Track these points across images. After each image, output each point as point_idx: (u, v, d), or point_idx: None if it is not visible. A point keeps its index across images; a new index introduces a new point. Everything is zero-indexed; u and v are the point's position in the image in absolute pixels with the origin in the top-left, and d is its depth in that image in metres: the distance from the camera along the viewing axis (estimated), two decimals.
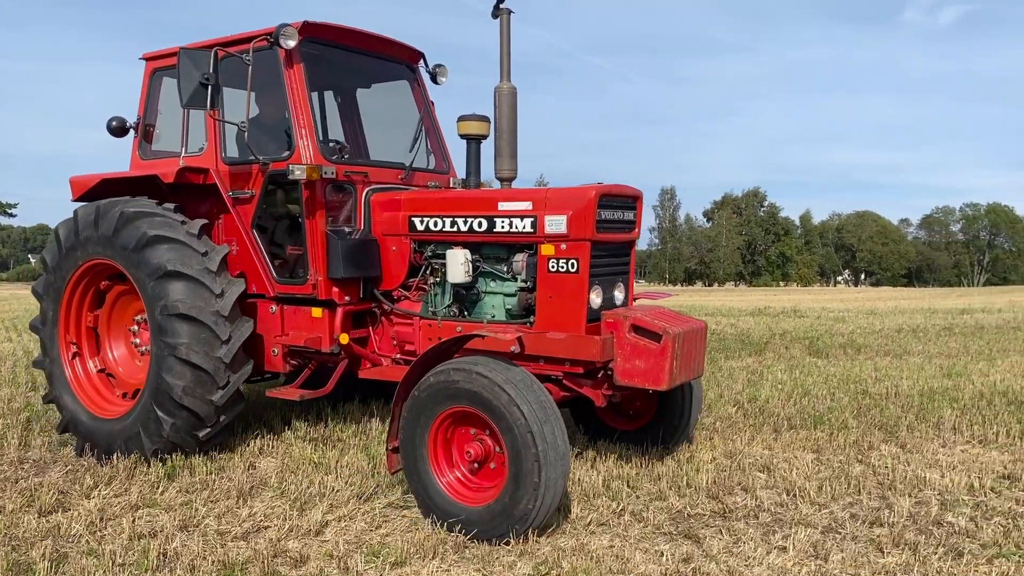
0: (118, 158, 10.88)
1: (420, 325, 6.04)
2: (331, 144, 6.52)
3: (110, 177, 6.51)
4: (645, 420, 6.40)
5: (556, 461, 4.41)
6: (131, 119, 6.85)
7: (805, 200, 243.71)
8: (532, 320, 5.48)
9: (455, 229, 5.83)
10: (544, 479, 4.35)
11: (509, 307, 5.71)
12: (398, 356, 6.28)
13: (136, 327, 6.61)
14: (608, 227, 5.36)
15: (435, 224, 5.91)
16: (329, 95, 7.20)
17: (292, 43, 5.76)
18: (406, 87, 7.11)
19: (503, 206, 5.60)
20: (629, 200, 5.58)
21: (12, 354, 12.14)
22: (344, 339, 6.04)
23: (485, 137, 6.03)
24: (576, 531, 4.78)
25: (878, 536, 4.62)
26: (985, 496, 5.33)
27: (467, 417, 4.71)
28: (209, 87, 5.63)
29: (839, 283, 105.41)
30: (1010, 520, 4.88)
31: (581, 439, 6.67)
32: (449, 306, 5.98)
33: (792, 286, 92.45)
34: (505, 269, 5.72)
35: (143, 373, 6.25)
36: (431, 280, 6.07)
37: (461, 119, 5.99)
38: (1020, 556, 4.36)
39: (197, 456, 6.18)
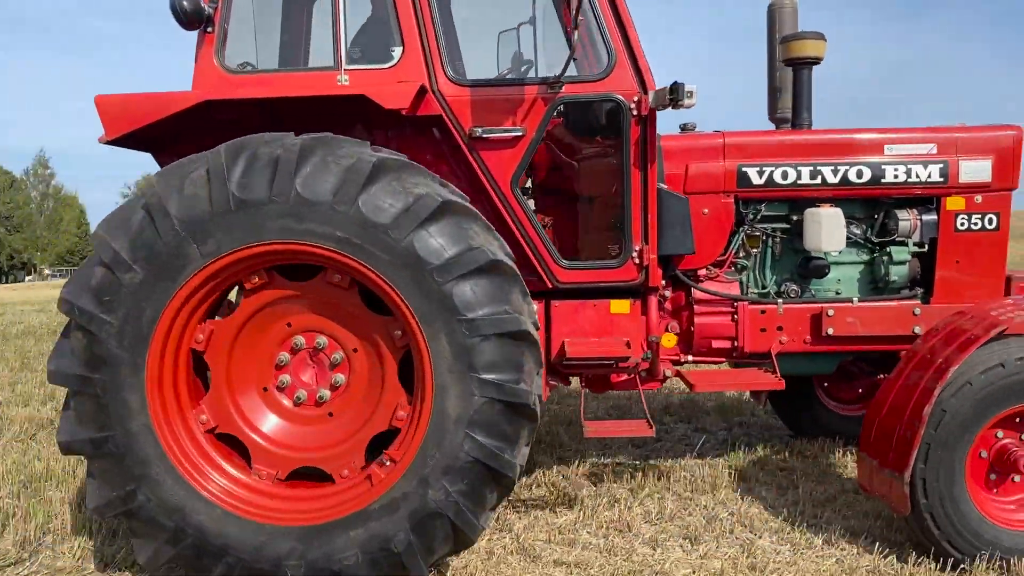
0: None
1: (747, 313, 4.59)
2: None
3: (240, 100, 3.85)
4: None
5: None
6: None
7: None
8: (917, 293, 4.64)
9: (818, 181, 4.57)
10: None
11: (895, 278, 4.64)
12: (686, 359, 4.71)
13: (287, 356, 3.86)
14: None
15: (784, 176, 4.58)
16: None
17: None
18: None
19: (892, 149, 4.58)
20: None
21: None
22: (671, 340, 4.50)
23: (820, 61, 4.71)
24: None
25: None
26: None
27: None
28: None
29: None
30: None
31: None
32: (784, 284, 4.76)
33: None
34: (863, 231, 4.72)
35: (306, 437, 3.87)
36: (749, 252, 4.75)
37: (789, 39, 4.68)
38: None
39: None
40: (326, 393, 3.89)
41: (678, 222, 4.30)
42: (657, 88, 4.03)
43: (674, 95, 3.85)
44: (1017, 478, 3.90)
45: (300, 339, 3.87)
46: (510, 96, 4.11)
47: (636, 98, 4.06)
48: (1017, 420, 3.86)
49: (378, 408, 3.82)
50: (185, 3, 3.93)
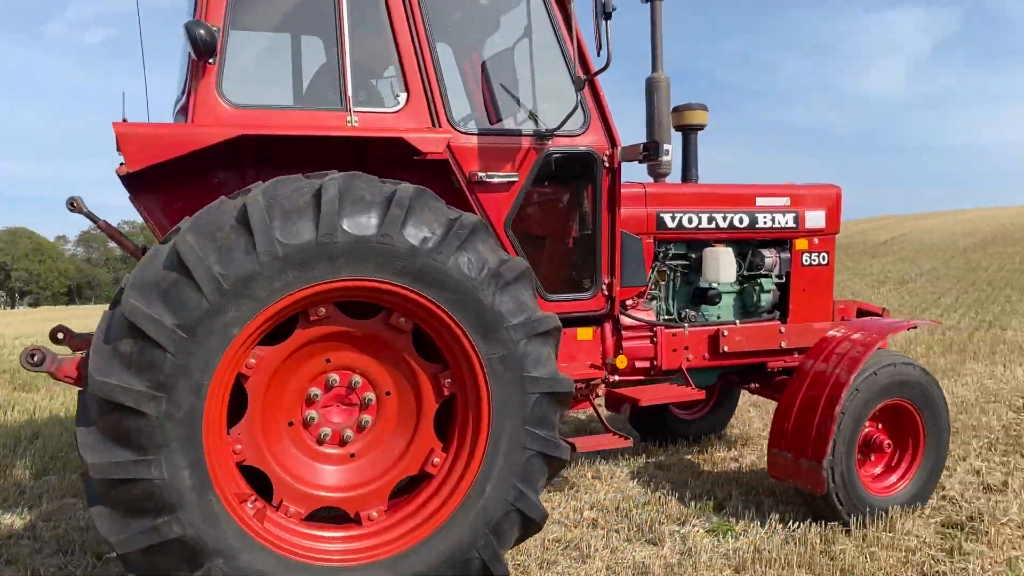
0: None
1: (663, 336, 5.27)
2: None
3: (278, 135, 3.90)
4: (706, 410, 7.05)
5: None
6: None
7: None
8: (776, 315, 5.74)
9: (713, 226, 5.46)
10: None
11: (763, 304, 5.69)
12: (612, 378, 5.10)
13: (319, 392, 3.82)
14: None
15: (690, 221, 5.40)
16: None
17: None
18: None
19: (761, 201, 5.62)
20: None
21: None
22: (623, 362, 4.97)
23: (705, 127, 5.46)
24: None
25: None
26: None
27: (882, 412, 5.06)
28: None
29: None
30: None
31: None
32: (685, 310, 5.55)
33: None
34: (738, 266, 5.61)
35: (329, 476, 3.87)
36: (658, 284, 5.51)
37: (681, 108, 5.56)
38: None
39: None
40: (351, 433, 3.91)
41: (635, 259, 4.93)
42: (625, 145, 4.63)
43: (649, 152, 4.50)
44: (874, 457, 5.14)
45: (335, 376, 3.85)
46: (507, 145, 4.43)
47: (608, 152, 4.61)
48: (878, 413, 5.06)
49: (408, 452, 3.94)
50: (202, 31, 3.77)
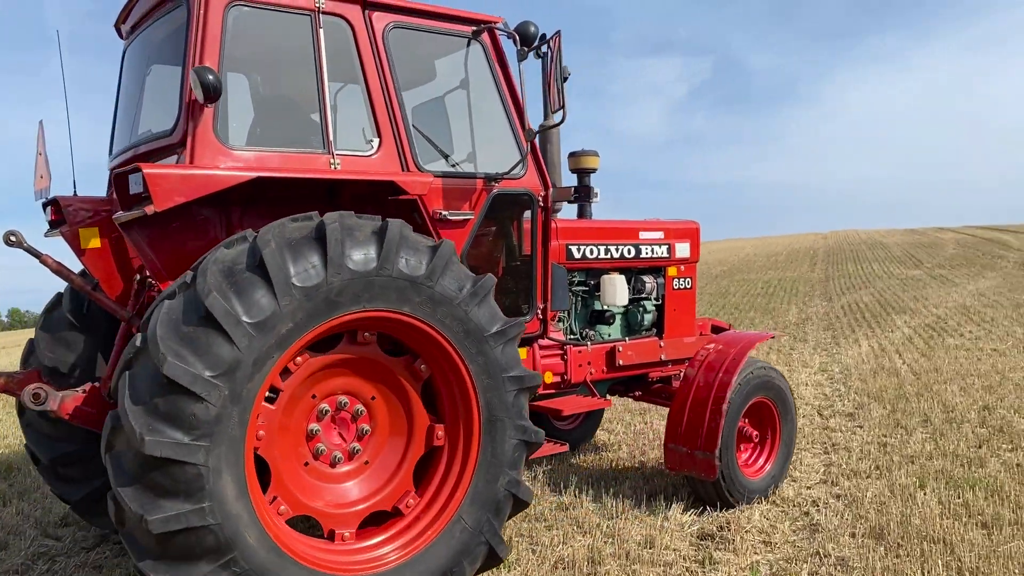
0: None
1: (572, 353, 6.00)
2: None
3: (294, 177, 4.30)
4: (580, 421, 7.96)
5: None
6: None
7: None
8: (654, 332, 6.69)
9: (609, 256, 6.28)
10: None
11: (646, 323, 6.63)
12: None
13: (316, 426, 4.22)
14: None
15: (591, 252, 6.17)
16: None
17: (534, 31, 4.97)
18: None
19: (643, 235, 6.54)
20: None
21: None
22: (550, 377, 5.75)
23: (596, 170, 6.16)
24: None
25: None
26: None
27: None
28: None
29: None
30: None
31: None
32: (584, 330, 6.29)
33: None
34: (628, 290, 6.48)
35: (358, 488, 4.33)
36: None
37: (577, 154, 6.33)
38: None
39: None
40: (357, 445, 4.30)
41: (560, 286, 5.62)
42: (559, 186, 5.37)
43: (579, 195, 5.24)
44: (743, 447, 6.20)
45: (324, 405, 4.21)
46: (464, 186, 4.97)
47: (543, 193, 5.31)
48: (747, 409, 6.12)
49: (412, 436, 4.41)
50: (211, 76, 3.99)
